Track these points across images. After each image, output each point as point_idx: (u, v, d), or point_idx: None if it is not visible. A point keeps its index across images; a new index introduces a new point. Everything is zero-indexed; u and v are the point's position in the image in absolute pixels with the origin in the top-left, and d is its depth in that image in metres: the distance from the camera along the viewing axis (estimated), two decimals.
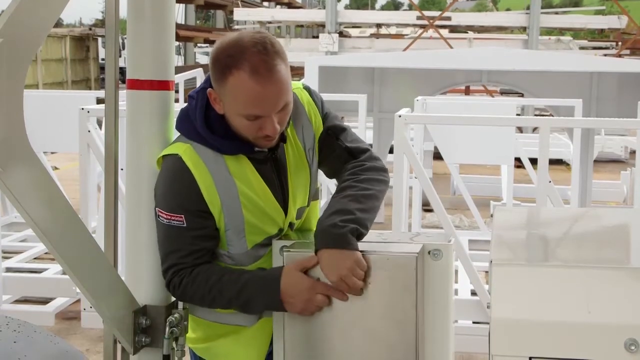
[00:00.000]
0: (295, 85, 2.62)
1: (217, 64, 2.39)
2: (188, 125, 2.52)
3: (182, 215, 2.45)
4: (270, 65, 2.34)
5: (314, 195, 2.74)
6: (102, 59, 24.82)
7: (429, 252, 2.49)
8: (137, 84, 2.54)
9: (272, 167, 2.56)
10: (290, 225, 2.65)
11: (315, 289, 2.43)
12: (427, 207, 8.39)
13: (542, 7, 19.03)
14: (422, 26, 20.15)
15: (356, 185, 2.54)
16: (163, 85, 2.56)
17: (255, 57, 2.33)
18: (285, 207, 2.60)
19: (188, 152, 2.47)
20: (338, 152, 2.67)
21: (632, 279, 2.15)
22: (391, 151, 6.87)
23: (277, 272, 2.47)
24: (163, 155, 2.51)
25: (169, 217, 2.46)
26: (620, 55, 19.78)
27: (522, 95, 11.26)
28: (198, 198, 2.46)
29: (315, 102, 2.66)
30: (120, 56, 2.58)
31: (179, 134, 2.58)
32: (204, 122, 2.48)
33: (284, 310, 2.47)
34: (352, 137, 2.70)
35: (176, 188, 2.47)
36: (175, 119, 2.62)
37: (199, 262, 2.51)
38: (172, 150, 2.50)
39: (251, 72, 2.32)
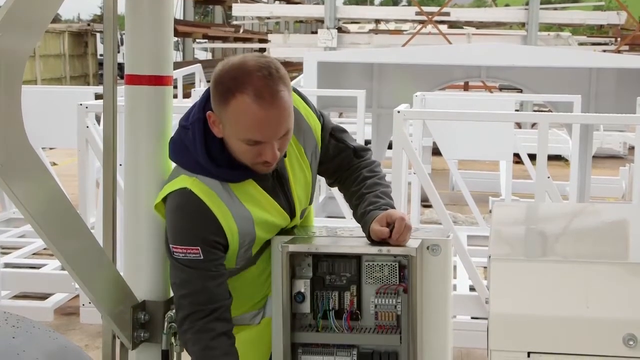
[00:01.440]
0: None
1: (219, 86, 2.36)
2: (188, 158, 2.46)
3: (199, 248, 2.40)
4: (274, 90, 2.32)
5: (312, 196, 2.75)
6: (101, 55, 24.76)
7: (427, 248, 2.49)
8: (135, 79, 2.53)
9: (275, 182, 2.56)
10: (294, 227, 2.66)
11: None
12: (425, 203, 8.37)
13: (540, 3, 18.99)
14: (421, 22, 20.11)
15: (381, 183, 2.65)
16: (161, 80, 2.55)
17: (259, 81, 2.30)
18: (291, 214, 2.60)
19: (196, 184, 2.42)
20: (346, 152, 2.71)
21: (630, 274, 2.15)
22: (390, 147, 6.87)
23: None
24: (169, 193, 2.45)
25: (185, 251, 2.41)
26: (619, 51, 19.77)
27: (520, 91, 11.24)
28: (215, 227, 2.42)
29: (309, 105, 2.66)
30: (118, 52, 2.58)
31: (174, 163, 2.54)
32: (206, 155, 2.43)
33: None
34: (350, 136, 2.76)
35: (191, 220, 2.41)
36: (172, 114, 2.61)
37: (216, 315, 2.45)
38: (178, 185, 2.44)
39: (255, 96, 2.29)
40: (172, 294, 2.59)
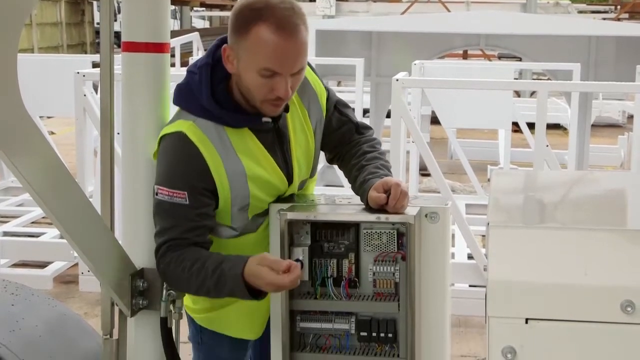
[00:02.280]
0: None
1: (239, 17, 2.39)
2: (191, 101, 2.49)
3: (185, 193, 2.42)
4: (295, 24, 2.36)
5: (315, 168, 2.75)
6: (98, 23, 24.66)
7: (426, 215, 2.49)
8: (132, 47, 2.52)
9: (275, 137, 2.56)
10: (291, 195, 2.65)
11: (275, 265, 2.37)
12: (424, 172, 8.39)
13: None
14: None
15: (381, 158, 2.66)
16: (158, 47, 2.54)
17: (281, 13, 2.35)
18: (289, 177, 2.60)
19: (192, 129, 2.44)
20: (348, 126, 2.73)
21: (628, 241, 2.15)
22: (388, 116, 6.86)
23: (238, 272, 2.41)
24: (163, 135, 2.48)
25: (171, 194, 2.43)
26: (618, 19, 19.69)
27: (520, 59, 11.21)
28: (205, 174, 2.43)
29: (316, 74, 2.70)
30: (115, 20, 2.57)
31: (175, 108, 2.56)
32: (211, 97, 2.45)
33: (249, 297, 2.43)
34: (353, 112, 2.80)
35: (182, 164, 2.43)
36: (170, 82, 2.61)
37: (199, 240, 2.47)
38: (174, 128, 2.46)
39: (277, 26, 2.33)
40: None
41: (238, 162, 2.48)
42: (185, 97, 2.52)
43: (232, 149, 2.47)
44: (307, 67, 2.60)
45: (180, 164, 2.44)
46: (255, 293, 2.41)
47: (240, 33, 2.38)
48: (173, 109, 2.60)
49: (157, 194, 2.46)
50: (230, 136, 2.48)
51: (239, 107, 2.49)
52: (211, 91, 2.46)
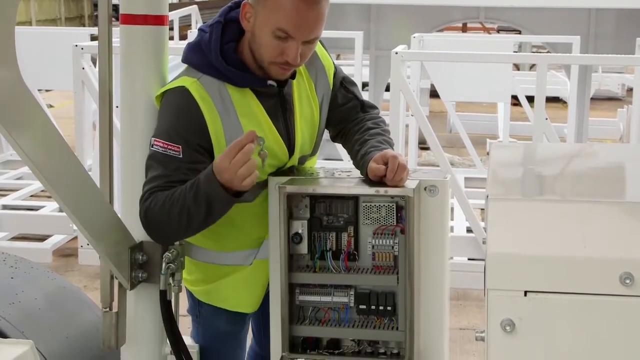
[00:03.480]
0: None
1: None
2: (199, 57, 2.51)
3: (180, 146, 2.42)
4: None
5: (318, 145, 2.74)
6: None
7: (425, 188, 2.50)
8: (130, 19, 2.51)
9: (278, 103, 2.56)
10: (291, 168, 2.64)
11: (232, 149, 2.31)
12: (423, 146, 8.38)
13: None
14: None
15: (384, 134, 2.66)
16: (157, 19, 2.53)
17: None
18: (290, 148, 2.59)
19: (195, 86, 2.47)
20: (353, 102, 2.73)
21: (627, 213, 2.15)
22: (387, 89, 6.85)
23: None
24: (167, 89, 2.50)
25: (166, 146, 2.43)
26: None
27: (519, 32, 11.15)
28: (202, 131, 2.45)
29: (326, 49, 2.72)
30: None
31: (179, 71, 2.56)
32: (219, 53, 2.47)
33: (226, 188, 2.34)
34: (359, 90, 2.80)
35: (180, 118, 2.45)
36: (168, 55, 2.60)
37: None
38: (177, 83, 2.49)
39: None
40: None
41: (237, 123, 2.48)
42: (194, 53, 2.54)
43: (233, 110, 2.48)
44: (317, 41, 2.60)
45: (178, 117, 2.45)
46: (235, 194, 2.36)
47: None
48: None
49: (152, 146, 2.47)
50: (232, 97, 2.49)
51: (246, 66, 2.50)
52: (220, 49, 2.48)
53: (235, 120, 2.48)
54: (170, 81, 2.55)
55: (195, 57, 2.53)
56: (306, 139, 2.63)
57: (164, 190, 2.43)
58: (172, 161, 2.43)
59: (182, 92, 2.45)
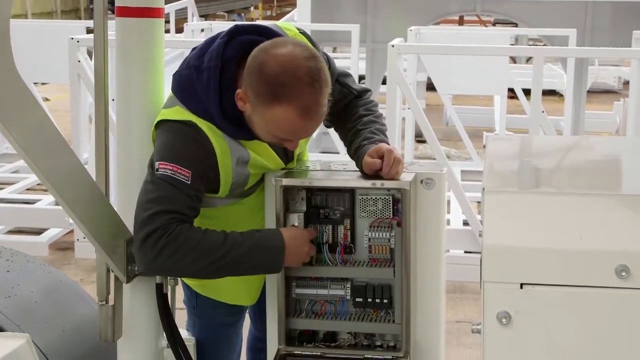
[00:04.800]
0: (290, 29, 2.58)
1: (265, 85, 2.28)
2: (196, 103, 2.41)
3: (190, 172, 2.36)
4: (321, 104, 2.32)
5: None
6: None
7: (421, 181, 2.50)
8: (125, 11, 2.50)
9: None
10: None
11: (310, 236, 2.45)
12: (420, 139, 8.38)
13: None
14: None
15: (376, 121, 2.65)
16: (152, 12, 2.52)
17: (309, 97, 2.28)
18: (287, 160, 2.61)
19: (199, 119, 2.41)
20: (349, 97, 2.71)
21: (623, 205, 2.16)
22: (384, 82, 6.84)
23: (277, 233, 2.44)
24: (172, 120, 2.42)
25: (175, 169, 2.35)
26: None
27: (516, 25, 11.15)
28: (211, 163, 2.40)
29: (317, 48, 2.61)
30: None
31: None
32: (219, 108, 2.38)
33: (280, 268, 2.45)
34: (353, 79, 2.76)
35: (192, 148, 2.38)
36: (164, 48, 2.59)
37: (191, 221, 2.40)
38: (184, 116, 2.40)
39: (302, 111, 2.28)
40: None
41: (244, 150, 2.46)
42: (191, 96, 2.43)
43: (239, 143, 2.46)
44: (305, 38, 2.57)
45: (189, 147, 2.39)
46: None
47: (260, 101, 2.30)
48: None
49: (157, 170, 2.37)
50: None
51: (244, 122, 2.42)
52: (219, 100, 2.39)
53: (242, 147, 2.46)
54: (166, 107, 2.48)
55: (192, 103, 2.42)
56: (302, 144, 2.63)
57: (181, 220, 2.35)
58: (181, 186, 2.36)
59: (194, 127, 2.39)
